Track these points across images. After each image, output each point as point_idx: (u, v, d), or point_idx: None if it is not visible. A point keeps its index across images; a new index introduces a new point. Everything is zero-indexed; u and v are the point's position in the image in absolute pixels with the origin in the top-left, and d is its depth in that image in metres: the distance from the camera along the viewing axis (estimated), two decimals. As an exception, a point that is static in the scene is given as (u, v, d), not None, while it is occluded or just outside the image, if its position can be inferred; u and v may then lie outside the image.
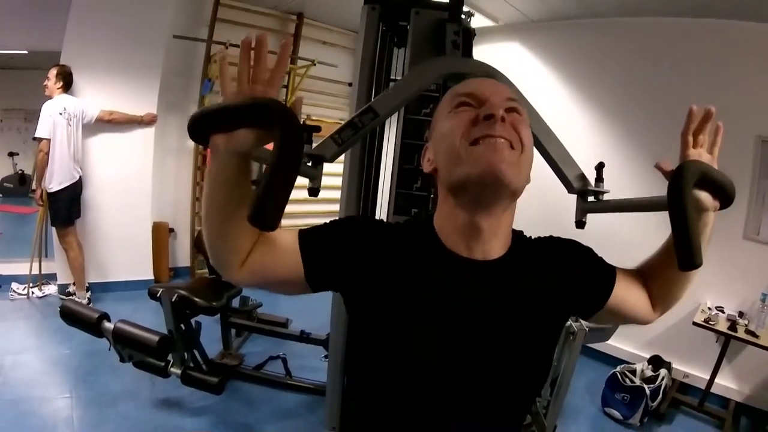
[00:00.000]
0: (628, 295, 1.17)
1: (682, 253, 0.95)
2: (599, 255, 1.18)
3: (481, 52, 3.31)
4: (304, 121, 6.64)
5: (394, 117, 2.52)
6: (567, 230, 1.28)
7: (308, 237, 1.06)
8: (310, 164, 1.56)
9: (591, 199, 1.65)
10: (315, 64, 6.32)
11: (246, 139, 0.85)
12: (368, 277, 1.01)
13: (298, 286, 1.06)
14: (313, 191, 1.57)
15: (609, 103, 4.98)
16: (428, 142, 1.09)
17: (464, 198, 0.97)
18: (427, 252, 1.02)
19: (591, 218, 1.68)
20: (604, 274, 1.15)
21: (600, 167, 1.66)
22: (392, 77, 2.69)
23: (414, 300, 0.98)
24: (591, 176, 1.66)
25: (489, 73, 1.08)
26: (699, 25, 4.28)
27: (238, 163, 0.90)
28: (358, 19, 2.58)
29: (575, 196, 1.69)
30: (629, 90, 4.83)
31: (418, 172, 2.33)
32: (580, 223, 1.69)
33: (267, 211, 0.78)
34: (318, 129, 1.58)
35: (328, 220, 1.12)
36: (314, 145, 1.61)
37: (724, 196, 1.06)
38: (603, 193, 1.64)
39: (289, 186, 0.80)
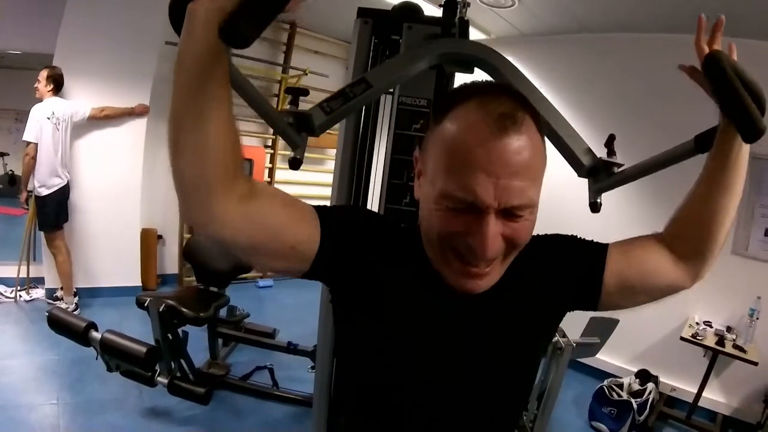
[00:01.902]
0: (635, 263, 1.07)
1: (742, 122, 0.89)
2: (585, 238, 1.13)
3: (473, 66, 3.31)
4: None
5: (384, 133, 2.51)
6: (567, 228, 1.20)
7: (330, 215, 0.97)
8: (292, 123, 1.42)
9: (603, 178, 1.54)
10: (306, 74, 6.34)
11: None
12: (364, 283, 0.98)
13: (297, 260, 0.93)
14: (295, 162, 1.45)
15: (598, 118, 4.95)
16: (418, 152, 0.98)
17: None
18: (413, 272, 0.98)
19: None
20: (591, 254, 1.08)
21: (611, 140, 1.56)
22: (384, 90, 2.68)
23: (401, 318, 0.97)
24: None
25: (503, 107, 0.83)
26: (689, 41, 4.29)
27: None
28: (350, 29, 2.57)
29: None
30: (618, 105, 4.83)
31: (408, 188, 2.32)
32: (595, 206, 1.57)
33: (245, 21, 0.65)
34: (306, 92, 1.48)
35: (343, 204, 1.06)
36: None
37: (757, 98, 0.94)
38: (617, 165, 1.53)
39: (278, 5, 0.67)
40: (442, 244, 0.88)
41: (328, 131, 1.54)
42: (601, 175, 1.51)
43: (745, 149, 1.00)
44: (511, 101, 0.84)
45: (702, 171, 1.06)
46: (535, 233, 1.04)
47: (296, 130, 1.36)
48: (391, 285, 0.97)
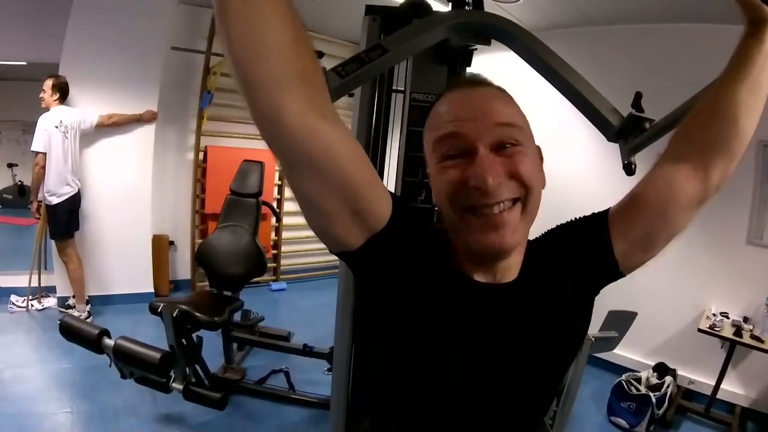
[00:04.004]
0: (639, 211, 1.01)
1: None
2: (583, 215, 1.09)
3: (479, 61, 3.30)
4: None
5: (397, 129, 2.50)
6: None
7: (402, 207, 0.92)
8: None
9: (635, 136, 1.47)
10: (320, 58, 6.25)
11: None
12: (402, 285, 0.93)
13: (352, 228, 0.85)
14: None
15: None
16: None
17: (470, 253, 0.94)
18: (446, 277, 0.95)
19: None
20: (591, 227, 1.04)
21: (638, 97, 1.48)
22: (394, 87, 2.66)
23: (434, 332, 0.93)
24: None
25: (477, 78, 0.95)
26: (696, 30, 4.26)
27: None
28: (358, 30, 2.56)
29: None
30: (627, 96, 4.76)
31: (422, 185, 2.31)
32: (629, 167, 1.49)
33: None
34: (320, 54, 1.44)
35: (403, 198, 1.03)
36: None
37: None
38: (649, 120, 1.45)
39: None
40: (454, 206, 0.89)
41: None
42: (632, 134, 1.47)
43: None
44: (485, 79, 0.97)
45: (722, 74, 1.00)
46: (541, 231, 1.09)
47: None
48: (427, 288, 0.94)
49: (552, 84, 1.64)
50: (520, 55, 1.73)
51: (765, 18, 0.93)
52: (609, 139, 1.58)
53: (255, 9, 0.65)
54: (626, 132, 1.50)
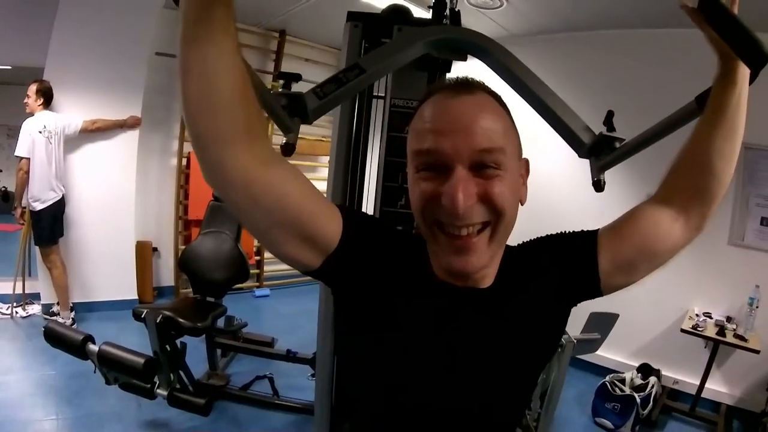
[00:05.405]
0: (628, 239, 1.05)
1: (746, 48, 0.84)
2: (573, 230, 1.12)
3: (462, 66, 3.31)
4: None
5: (377, 135, 2.51)
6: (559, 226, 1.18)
7: (353, 218, 0.97)
8: (285, 105, 1.35)
9: (606, 154, 1.48)
10: (297, 82, 6.25)
11: None
12: (372, 291, 0.97)
13: (311, 252, 0.91)
14: (288, 148, 1.36)
15: (588, 117, 4.95)
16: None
17: None
18: (420, 280, 0.98)
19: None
20: (580, 244, 1.07)
21: (610, 116, 1.50)
22: (375, 94, 2.67)
23: (407, 334, 0.96)
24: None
25: (466, 81, 0.92)
26: (677, 35, 4.28)
27: None
28: (341, 36, 2.56)
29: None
30: (608, 102, 4.76)
31: (402, 190, 2.32)
32: (599, 184, 1.51)
33: None
34: (298, 77, 1.47)
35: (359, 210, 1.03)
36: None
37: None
38: (619, 140, 1.47)
39: None
40: (425, 219, 0.90)
41: (320, 139, 1.50)
42: (603, 152, 1.49)
43: (745, 91, 0.98)
44: (473, 81, 0.93)
45: (699, 120, 1.05)
46: (523, 239, 1.12)
47: (289, 114, 1.33)
48: (398, 292, 0.97)
49: (526, 100, 1.65)
50: (495, 71, 1.74)
51: (737, 86, 0.96)
52: (580, 156, 1.61)
53: (214, 69, 0.70)
54: (597, 150, 1.52)
